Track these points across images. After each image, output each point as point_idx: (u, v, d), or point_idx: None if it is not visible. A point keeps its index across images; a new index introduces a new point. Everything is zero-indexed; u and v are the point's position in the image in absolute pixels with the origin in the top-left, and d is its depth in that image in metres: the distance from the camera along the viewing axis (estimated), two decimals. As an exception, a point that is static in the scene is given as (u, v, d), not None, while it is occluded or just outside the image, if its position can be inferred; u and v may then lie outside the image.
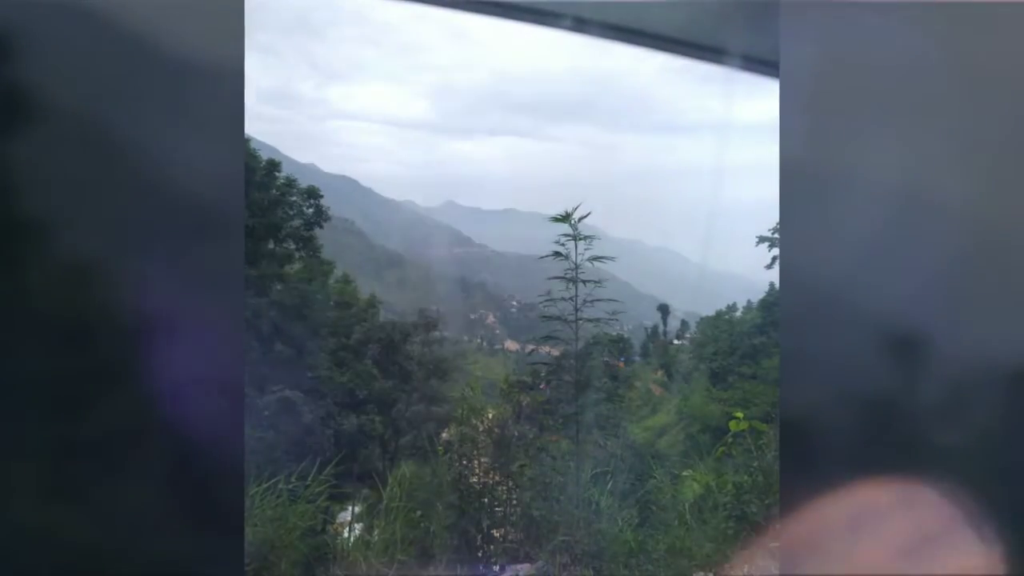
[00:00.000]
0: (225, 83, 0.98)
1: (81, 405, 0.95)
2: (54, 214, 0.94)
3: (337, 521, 6.22)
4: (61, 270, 0.94)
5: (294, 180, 18.32)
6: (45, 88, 0.88)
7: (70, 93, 0.92)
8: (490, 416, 6.69)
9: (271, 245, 18.03)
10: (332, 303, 18.95)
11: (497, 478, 6.23)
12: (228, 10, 0.96)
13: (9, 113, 0.89)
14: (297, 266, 18.42)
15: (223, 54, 0.97)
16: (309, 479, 5.49)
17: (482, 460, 6.38)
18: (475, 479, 6.19)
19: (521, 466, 6.23)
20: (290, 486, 5.35)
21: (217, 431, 1.01)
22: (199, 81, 0.99)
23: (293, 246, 18.37)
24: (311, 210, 18.43)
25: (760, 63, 1.52)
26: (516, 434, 6.28)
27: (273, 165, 17.68)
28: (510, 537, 5.91)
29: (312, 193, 18.31)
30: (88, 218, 0.95)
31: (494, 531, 5.99)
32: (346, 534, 5.81)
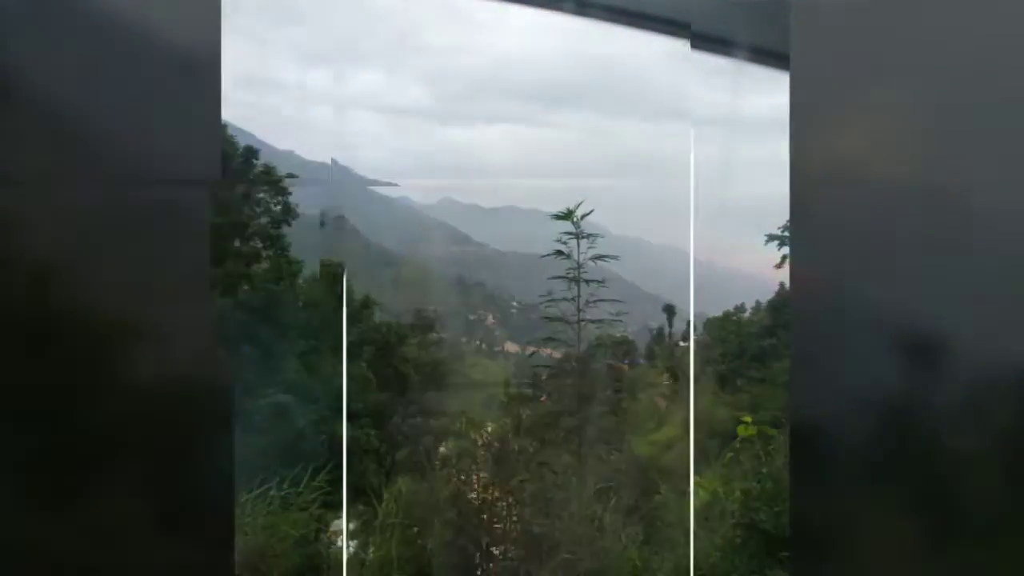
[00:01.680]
0: (202, 71, 0.97)
1: (60, 410, 0.95)
2: (25, 209, 0.93)
3: (331, 529, 6.21)
4: (36, 269, 0.93)
5: (273, 168, 18.08)
6: (13, 74, 0.87)
7: (39, 80, 0.91)
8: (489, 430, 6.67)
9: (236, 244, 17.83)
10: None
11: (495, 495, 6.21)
12: None
13: None
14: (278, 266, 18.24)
15: (199, 40, 0.96)
16: (301, 486, 5.48)
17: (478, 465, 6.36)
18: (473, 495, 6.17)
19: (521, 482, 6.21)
20: (282, 493, 5.34)
21: (205, 436, 1.00)
22: (175, 68, 0.98)
23: (260, 244, 18.12)
24: (278, 208, 18.13)
25: (767, 55, 1.52)
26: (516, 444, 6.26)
27: (251, 152, 17.43)
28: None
29: (280, 190, 18.03)
30: (57, 211, 0.95)
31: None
32: (339, 543, 5.80)
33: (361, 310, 18.66)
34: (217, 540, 1.03)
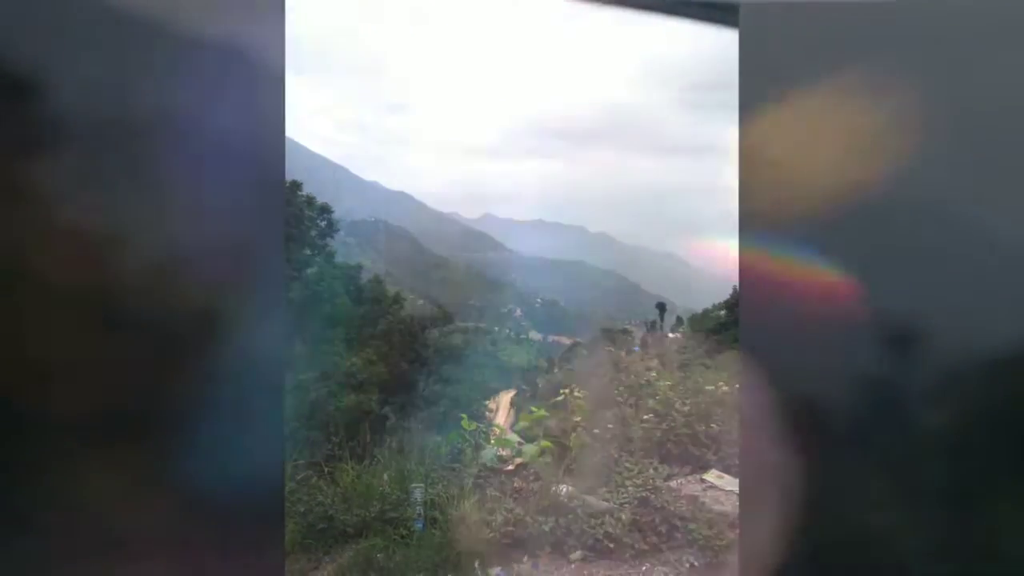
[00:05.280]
0: (267, 73, 0.88)
1: (127, 384, 0.88)
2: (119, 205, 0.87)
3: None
4: (141, 269, 0.88)
5: (313, 197, 17.99)
6: (81, 81, 0.80)
7: (105, 88, 0.83)
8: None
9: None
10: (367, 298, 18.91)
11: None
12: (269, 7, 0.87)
13: (67, 127, 0.81)
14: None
15: (265, 42, 0.87)
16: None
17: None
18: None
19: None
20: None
21: (257, 416, 0.94)
22: (240, 70, 0.89)
23: (309, 252, 18.13)
24: (324, 223, 18.06)
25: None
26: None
27: (295, 185, 17.24)
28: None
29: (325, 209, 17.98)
30: (144, 208, 0.88)
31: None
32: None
33: (391, 305, 18.68)
34: (267, 514, 0.94)
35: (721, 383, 5.59)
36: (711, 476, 4.54)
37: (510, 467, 4.75)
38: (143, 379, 0.87)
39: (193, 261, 0.92)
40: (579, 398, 5.41)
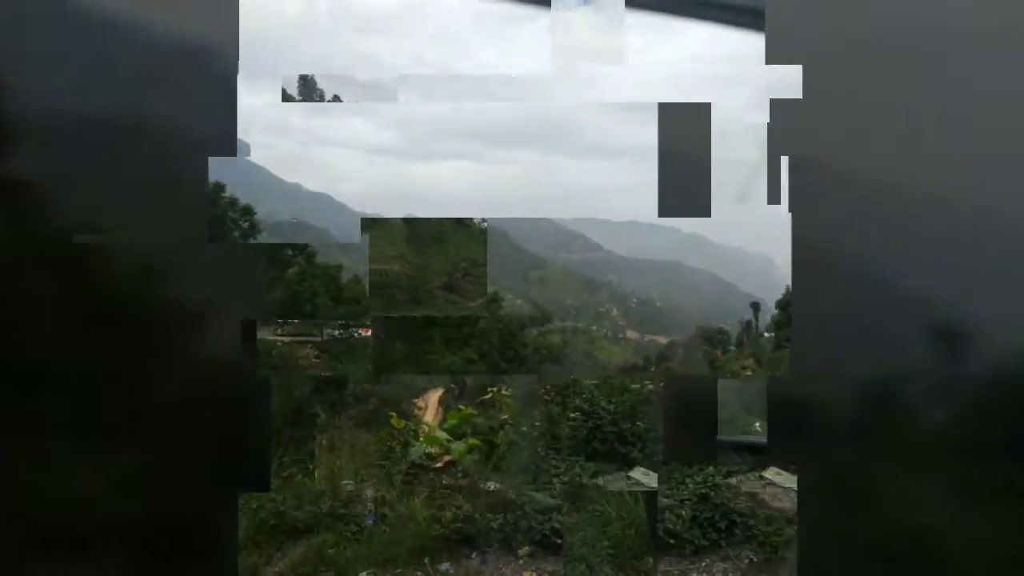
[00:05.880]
0: (220, 67, 0.91)
1: (131, 382, 0.92)
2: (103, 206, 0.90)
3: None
4: (128, 268, 0.91)
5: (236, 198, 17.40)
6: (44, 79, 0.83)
7: (61, 85, 0.86)
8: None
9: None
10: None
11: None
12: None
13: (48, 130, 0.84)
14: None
15: (217, 37, 0.90)
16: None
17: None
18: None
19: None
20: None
21: (245, 404, 0.96)
22: (192, 64, 0.92)
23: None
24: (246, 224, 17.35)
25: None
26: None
27: (219, 187, 16.68)
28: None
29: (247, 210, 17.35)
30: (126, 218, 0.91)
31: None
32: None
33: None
34: (221, 512, 1.02)
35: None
36: (771, 473, 4.46)
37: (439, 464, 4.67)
38: (130, 378, 0.89)
39: (126, 258, 0.93)
40: (506, 396, 5.17)
